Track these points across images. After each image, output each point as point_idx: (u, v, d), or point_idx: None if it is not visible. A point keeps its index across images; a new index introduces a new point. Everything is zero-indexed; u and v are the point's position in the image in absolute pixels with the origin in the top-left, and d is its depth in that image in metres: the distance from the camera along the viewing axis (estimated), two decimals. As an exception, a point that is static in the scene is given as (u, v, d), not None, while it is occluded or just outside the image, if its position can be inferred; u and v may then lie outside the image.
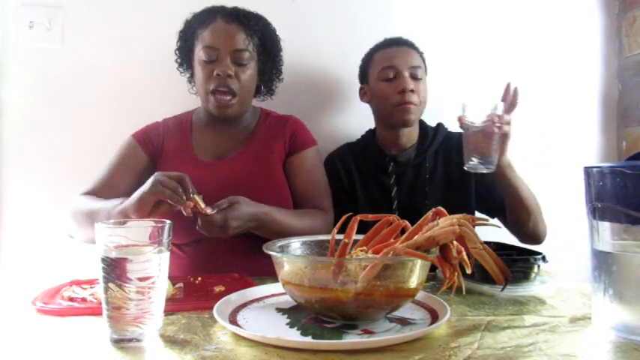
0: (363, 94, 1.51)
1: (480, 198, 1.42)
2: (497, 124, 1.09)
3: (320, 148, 1.41)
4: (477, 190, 1.42)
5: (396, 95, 1.37)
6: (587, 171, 0.74)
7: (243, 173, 1.23)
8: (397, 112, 1.38)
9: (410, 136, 1.47)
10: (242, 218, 1.07)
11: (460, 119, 1.12)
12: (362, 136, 1.56)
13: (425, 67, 1.44)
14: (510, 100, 1.16)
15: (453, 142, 1.43)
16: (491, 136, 1.09)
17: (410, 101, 1.36)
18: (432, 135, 1.47)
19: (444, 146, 1.46)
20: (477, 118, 1.09)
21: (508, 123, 1.12)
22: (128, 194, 1.04)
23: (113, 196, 1.17)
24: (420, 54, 1.44)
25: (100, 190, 1.22)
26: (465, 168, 1.12)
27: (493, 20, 1.74)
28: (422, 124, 1.49)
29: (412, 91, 1.36)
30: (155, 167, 1.30)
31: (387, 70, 1.39)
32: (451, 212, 0.77)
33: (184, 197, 0.98)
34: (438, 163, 1.45)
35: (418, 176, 1.44)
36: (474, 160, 1.10)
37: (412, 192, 1.44)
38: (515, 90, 1.17)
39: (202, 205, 1.01)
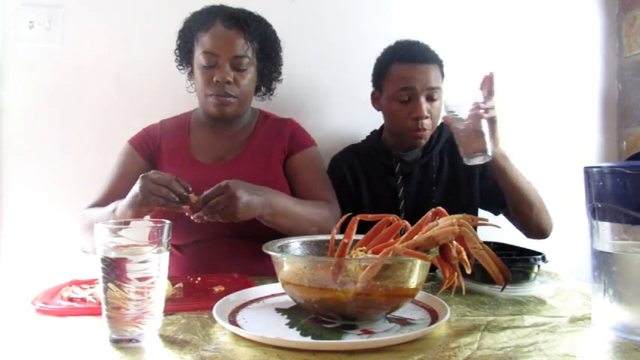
0: (375, 100, 1.47)
1: (484, 194, 1.42)
2: (482, 111, 1.10)
3: (321, 150, 1.40)
4: (481, 187, 1.42)
5: (410, 121, 1.34)
6: (587, 171, 0.74)
7: (243, 175, 1.23)
8: (409, 137, 1.37)
9: None
10: (248, 188, 1.05)
11: (446, 119, 1.14)
12: (367, 137, 1.55)
13: (443, 76, 1.39)
14: (488, 88, 1.15)
15: None
16: (479, 125, 1.09)
17: (423, 128, 1.34)
18: (437, 135, 1.45)
19: (448, 145, 1.45)
20: (462, 111, 1.11)
21: (492, 108, 1.13)
22: None
23: None
24: (441, 67, 1.38)
25: (105, 201, 1.22)
26: (466, 163, 1.12)
27: (493, 20, 1.74)
28: None
29: (426, 117, 1.33)
30: (154, 169, 1.30)
31: (404, 91, 1.33)
32: (457, 210, 0.76)
33: (178, 200, 1.00)
34: (444, 162, 1.45)
35: (425, 175, 1.44)
36: (472, 154, 1.10)
37: (419, 191, 1.44)
38: (492, 77, 1.16)
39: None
